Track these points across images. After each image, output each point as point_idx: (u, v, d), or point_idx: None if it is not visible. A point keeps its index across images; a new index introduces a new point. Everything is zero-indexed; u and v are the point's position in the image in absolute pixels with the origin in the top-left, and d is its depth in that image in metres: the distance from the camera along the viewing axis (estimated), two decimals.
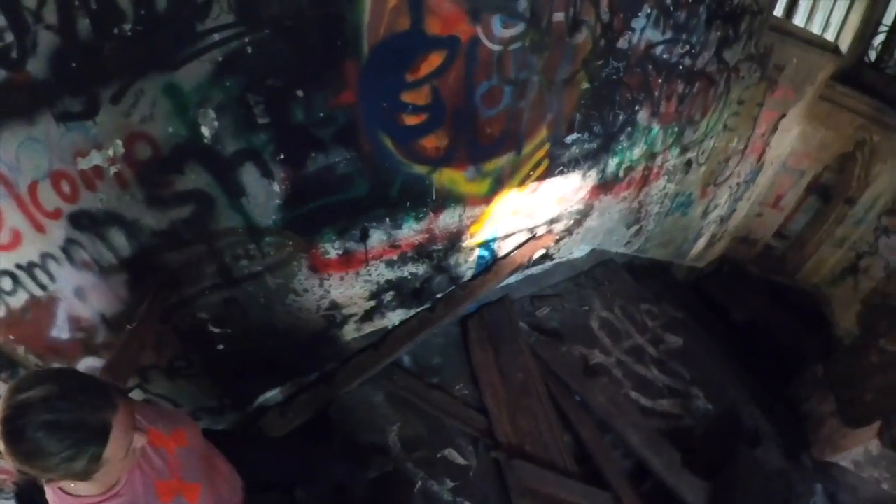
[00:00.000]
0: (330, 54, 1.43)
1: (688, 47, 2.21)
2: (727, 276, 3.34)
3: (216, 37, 1.25)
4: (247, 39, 1.29)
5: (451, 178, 1.99)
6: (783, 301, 3.16)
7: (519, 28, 1.71)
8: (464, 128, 1.86)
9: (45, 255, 1.41)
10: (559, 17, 1.78)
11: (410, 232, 2.06)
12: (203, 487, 1.29)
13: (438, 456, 2.23)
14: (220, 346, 2.02)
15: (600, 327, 2.67)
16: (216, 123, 1.40)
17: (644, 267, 3.18)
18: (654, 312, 2.78)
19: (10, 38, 1.03)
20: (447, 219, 2.11)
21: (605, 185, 2.50)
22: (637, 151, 2.45)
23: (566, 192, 2.37)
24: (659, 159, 2.57)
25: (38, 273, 1.46)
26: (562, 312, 2.71)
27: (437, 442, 2.27)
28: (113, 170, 1.34)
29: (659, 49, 2.13)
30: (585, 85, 2.03)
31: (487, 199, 2.16)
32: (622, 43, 2.00)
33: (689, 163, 2.70)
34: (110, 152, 1.32)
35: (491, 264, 2.44)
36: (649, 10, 1.98)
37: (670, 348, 2.67)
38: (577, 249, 2.77)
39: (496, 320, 2.55)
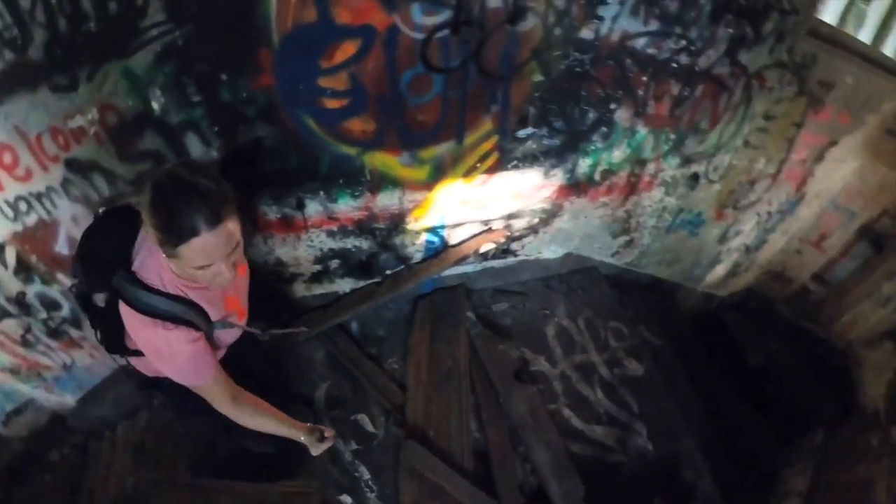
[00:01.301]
0: (245, 44, 1.72)
1: (684, 43, 2.03)
2: (751, 312, 3.05)
3: (154, 32, 1.64)
4: (177, 33, 1.65)
5: (383, 161, 2.17)
6: (808, 352, 2.84)
7: (443, 15, 1.75)
8: (391, 114, 2.01)
9: (49, 189, 1.97)
10: (496, 2, 1.77)
11: (347, 207, 2.30)
12: (247, 315, 1.66)
13: (352, 419, 2.53)
14: None
15: (556, 335, 2.68)
16: (162, 100, 1.82)
17: (642, 285, 3.06)
18: (621, 332, 2.69)
19: (15, 31, 1.51)
20: (385, 200, 2.30)
21: (575, 187, 2.45)
22: (618, 154, 2.36)
23: (524, 188, 2.39)
24: (650, 167, 2.43)
25: (45, 201, 2.04)
26: (519, 311, 2.76)
27: (354, 406, 2.56)
28: (92, 130, 1.84)
29: (640, 42, 2.00)
30: (538, 77, 2.02)
31: (428, 185, 2.29)
32: (586, 33, 1.92)
33: (695, 177, 2.49)
34: (89, 117, 1.81)
35: (441, 250, 2.56)
36: None
37: (626, 375, 2.60)
38: (546, 250, 2.76)
39: (445, 305, 2.71)
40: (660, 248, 2.90)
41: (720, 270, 3.01)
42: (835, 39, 2.24)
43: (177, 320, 1.33)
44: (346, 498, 2.37)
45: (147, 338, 1.35)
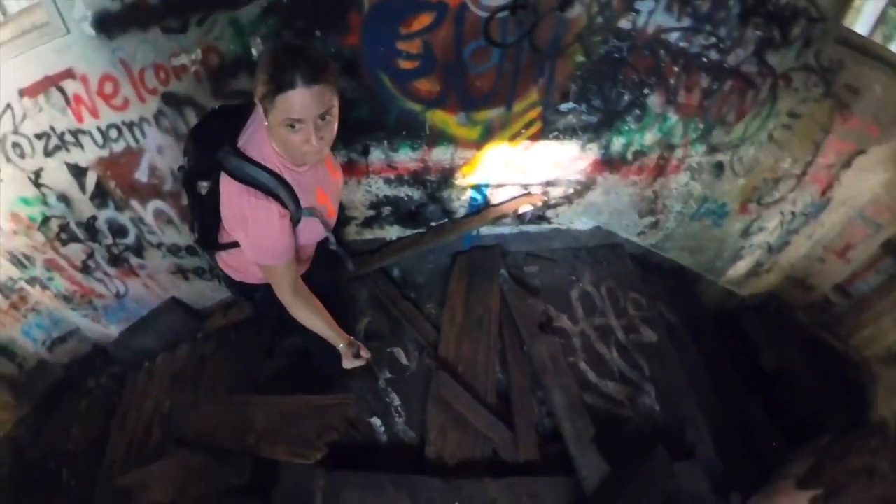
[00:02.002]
0: (339, 6, 2.17)
1: (714, 40, 2.37)
2: (770, 316, 3.25)
3: None
4: None
5: (443, 119, 2.61)
6: (823, 362, 2.99)
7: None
8: (454, 78, 2.45)
9: (142, 119, 2.45)
10: None
11: (406, 158, 2.75)
12: (335, 217, 1.86)
13: (388, 350, 2.95)
14: None
15: (579, 298, 3.06)
16: (262, 48, 2.26)
17: (664, 269, 3.35)
18: (640, 303, 3.02)
19: None
20: (440, 154, 2.75)
21: (609, 163, 2.83)
22: (649, 137, 2.72)
23: (562, 158, 2.79)
24: (678, 152, 2.77)
25: (135, 130, 2.52)
26: (548, 275, 3.16)
27: (391, 340, 2.99)
28: (193, 69, 2.29)
29: (673, 36, 2.36)
30: (581, 58, 2.42)
31: (478, 144, 2.72)
32: (625, 23, 2.31)
33: (719, 166, 2.80)
34: (192, 57, 2.25)
35: (483, 208, 2.99)
36: None
37: (641, 341, 2.93)
38: (578, 220, 3.16)
39: (482, 262, 3.14)
40: (683, 233, 3.18)
41: (741, 267, 3.24)
42: (864, 48, 2.45)
43: (269, 193, 1.52)
44: (375, 420, 2.75)
45: (239, 206, 1.53)
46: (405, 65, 2.38)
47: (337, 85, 1.43)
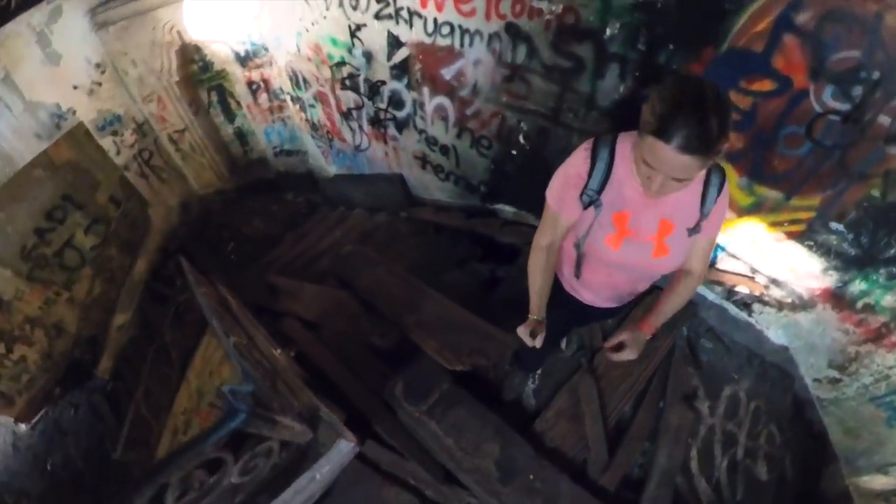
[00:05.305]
0: (701, 35, 2.77)
1: None
2: None
3: None
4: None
5: (727, 172, 3.02)
6: None
7: (843, 106, 2.56)
8: (759, 146, 2.98)
9: (478, 31, 3.28)
10: (884, 120, 2.49)
11: None
12: (656, 258, 2.10)
13: None
14: (512, 151, 3.91)
15: (728, 396, 3.61)
16: (616, 31, 2.97)
17: (814, 427, 3.69)
18: (773, 440, 3.50)
19: None
20: None
21: (837, 298, 3.23)
22: (889, 299, 3.05)
23: (801, 267, 3.25)
24: None
25: (465, 37, 3.37)
26: (717, 359, 3.74)
27: None
28: (547, 17, 3.09)
29: None
30: (875, 192, 2.77)
31: (742, 211, 3.25)
32: None
33: None
34: (553, 7, 3.07)
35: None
36: None
37: (751, 471, 3.40)
38: (774, 330, 3.63)
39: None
40: (853, 409, 3.45)
41: (880, 482, 3.39)
42: None
43: (593, 156, 1.96)
44: (516, 376, 3.54)
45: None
46: None
47: (713, 158, 1.63)
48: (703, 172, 1.87)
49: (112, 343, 5.16)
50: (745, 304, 3.69)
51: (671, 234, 2.06)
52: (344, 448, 2.78)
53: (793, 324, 3.57)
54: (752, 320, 3.73)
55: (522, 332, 2.26)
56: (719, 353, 3.80)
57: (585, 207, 2.05)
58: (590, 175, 1.97)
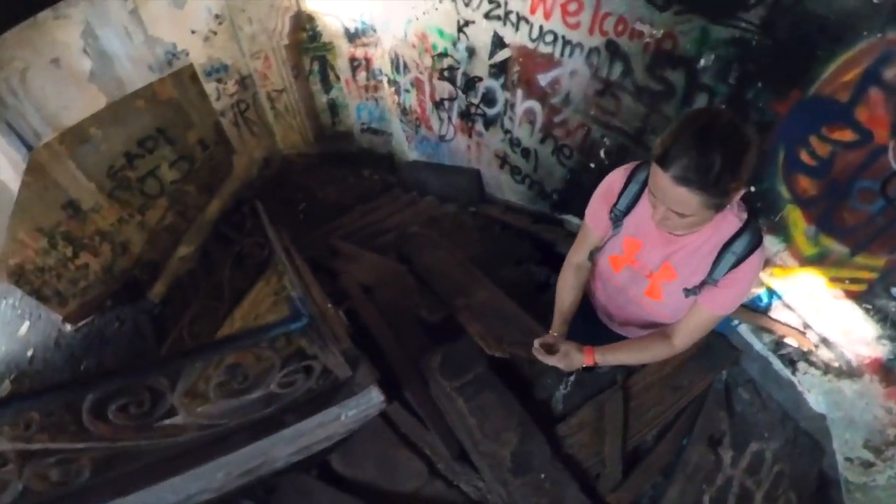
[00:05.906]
0: (791, 77, 2.92)
1: None
2: None
3: (745, 24, 2.96)
4: (757, 37, 2.95)
5: (796, 219, 3.26)
6: None
7: None
8: (832, 196, 3.05)
9: (579, 44, 3.58)
10: None
11: None
12: (662, 282, 2.14)
13: None
14: (591, 164, 4.10)
15: (753, 452, 3.57)
16: (710, 62, 3.23)
17: None
18: (791, 502, 3.47)
19: None
20: (768, 242, 3.40)
21: (887, 371, 3.21)
22: None
23: (855, 331, 3.24)
24: None
25: (566, 48, 3.69)
26: (751, 412, 3.73)
27: None
28: (647, 40, 3.43)
29: None
30: None
31: (804, 261, 3.31)
32: None
33: None
34: (654, 31, 3.40)
35: (758, 310, 3.68)
36: None
37: None
38: (814, 395, 3.60)
39: (718, 349, 3.88)
40: (882, 499, 3.38)
41: None
42: None
43: (629, 176, 2.07)
44: (550, 377, 3.63)
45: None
46: (805, 157, 3.08)
47: (716, 202, 1.64)
48: (723, 232, 1.92)
49: (170, 271, 5.62)
50: (792, 360, 3.69)
51: (671, 281, 2.11)
52: (375, 398, 2.94)
53: (835, 391, 3.54)
54: (794, 379, 3.72)
55: (540, 352, 2.27)
56: (754, 408, 3.79)
57: (613, 226, 2.17)
58: (621, 194, 2.08)
